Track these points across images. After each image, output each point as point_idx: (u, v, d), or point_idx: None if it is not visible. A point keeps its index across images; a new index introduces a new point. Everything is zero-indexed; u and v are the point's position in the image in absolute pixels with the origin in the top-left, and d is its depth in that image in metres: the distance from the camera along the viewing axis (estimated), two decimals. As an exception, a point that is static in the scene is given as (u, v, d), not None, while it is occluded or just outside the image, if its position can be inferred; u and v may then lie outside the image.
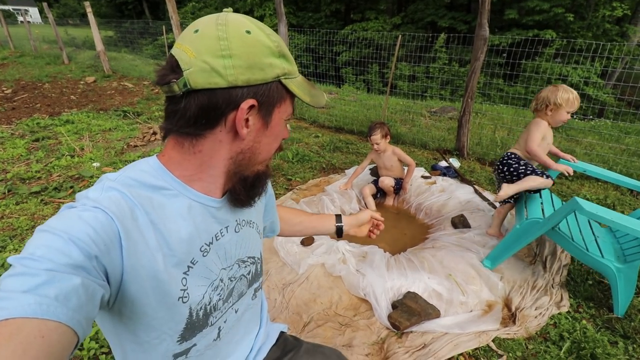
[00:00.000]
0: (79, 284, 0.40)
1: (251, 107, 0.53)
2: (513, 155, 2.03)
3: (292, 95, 0.59)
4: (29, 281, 0.37)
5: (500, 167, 2.05)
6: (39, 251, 0.40)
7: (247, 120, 0.54)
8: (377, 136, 2.52)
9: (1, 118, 4.59)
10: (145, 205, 0.52)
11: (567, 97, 1.84)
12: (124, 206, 0.49)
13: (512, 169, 1.98)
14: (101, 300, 0.44)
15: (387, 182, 2.61)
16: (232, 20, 0.51)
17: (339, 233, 1.00)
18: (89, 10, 7.24)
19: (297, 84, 0.58)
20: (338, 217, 1.01)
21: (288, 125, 0.65)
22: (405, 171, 2.72)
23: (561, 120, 1.90)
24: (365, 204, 2.72)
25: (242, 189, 0.61)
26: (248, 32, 0.51)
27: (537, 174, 1.89)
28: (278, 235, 0.98)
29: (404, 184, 2.68)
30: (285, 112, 0.59)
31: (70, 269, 0.40)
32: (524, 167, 1.94)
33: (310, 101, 0.59)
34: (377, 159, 2.70)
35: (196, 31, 0.51)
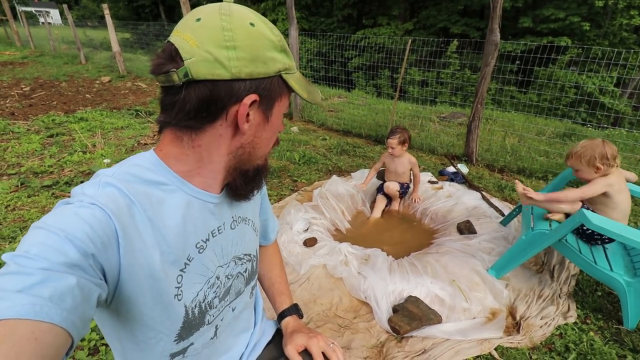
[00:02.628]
0: (75, 283, 0.39)
1: (253, 101, 0.52)
2: None
3: (290, 90, 0.58)
4: (24, 280, 0.36)
5: None
6: (34, 249, 0.39)
7: (248, 114, 0.52)
8: (394, 140, 2.47)
9: (19, 114, 4.73)
10: (143, 201, 0.50)
11: None
12: (121, 203, 0.48)
13: None
14: (98, 299, 0.43)
15: (392, 187, 2.57)
16: (236, 11, 0.50)
17: (278, 319, 0.88)
18: (107, 12, 7.44)
19: (296, 79, 0.58)
20: (293, 308, 0.88)
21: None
22: (412, 181, 2.69)
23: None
24: (370, 208, 2.70)
25: (242, 184, 0.61)
26: (252, 24, 0.50)
27: None
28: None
29: (414, 194, 2.65)
30: (284, 106, 0.59)
31: (66, 268, 0.39)
32: None
33: (307, 97, 0.58)
34: (390, 162, 2.65)
35: (198, 20, 0.49)
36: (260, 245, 0.91)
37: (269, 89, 0.53)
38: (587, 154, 1.65)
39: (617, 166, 1.65)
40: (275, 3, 14.04)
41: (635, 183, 1.86)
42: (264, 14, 13.71)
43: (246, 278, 0.72)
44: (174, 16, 25.42)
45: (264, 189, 0.83)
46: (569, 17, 9.49)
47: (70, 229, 0.41)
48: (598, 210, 1.70)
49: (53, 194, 2.65)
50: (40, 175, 2.97)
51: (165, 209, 0.53)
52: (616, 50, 3.50)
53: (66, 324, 0.37)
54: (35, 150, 3.48)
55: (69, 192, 2.66)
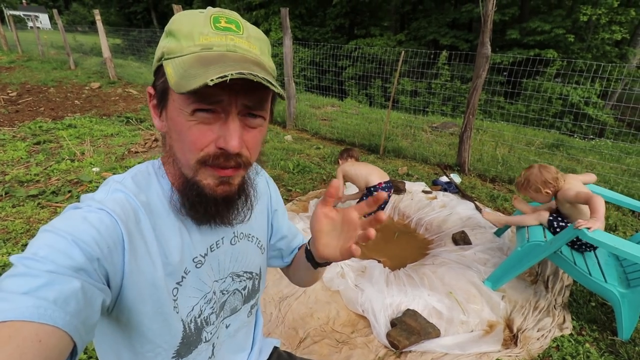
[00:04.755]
0: (79, 287, 0.39)
1: (150, 95, 0.52)
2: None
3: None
4: (30, 282, 0.36)
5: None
6: (42, 251, 0.39)
7: (155, 108, 0.52)
8: None
9: (4, 120, 4.61)
10: (147, 209, 0.51)
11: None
12: (129, 209, 0.48)
13: None
14: (102, 305, 0.43)
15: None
16: (185, 12, 0.49)
17: (308, 256, 0.65)
18: (98, 18, 7.37)
19: (178, 63, 0.45)
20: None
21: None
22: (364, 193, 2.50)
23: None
24: None
25: (187, 203, 0.52)
26: (176, 20, 0.49)
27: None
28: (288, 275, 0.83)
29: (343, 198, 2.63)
30: (180, 102, 0.46)
31: (71, 271, 0.39)
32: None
33: (174, 84, 0.43)
34: None
35: None
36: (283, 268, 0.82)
37: (157, 81, 0.50)
38: (532, 185, 1.83)
39: (563, 181, 1.79)
40: (269, 12, 14.13)
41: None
42: (256, 23, 13.80)
43: (245, 296, 0.70)
44: (166, 23, 25.36)
45: (280, 206, 0.76)
46: (554, 29, 9.80)
47: (77, 233, 0.42)
48: (574, 219, 1.77)
49: (39, 204, 2.57)
50: (25, 184, 2.88)
51: (166, 220, 0.53)
52: (602, 64, 3.61)
53: (69, 327, 0.37)
54: (21, 158, 3.37)
55: (56, 202, 2.59)
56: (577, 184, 1.79)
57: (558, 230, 1.82)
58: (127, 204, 0.49)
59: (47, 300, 0.36)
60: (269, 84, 0.42)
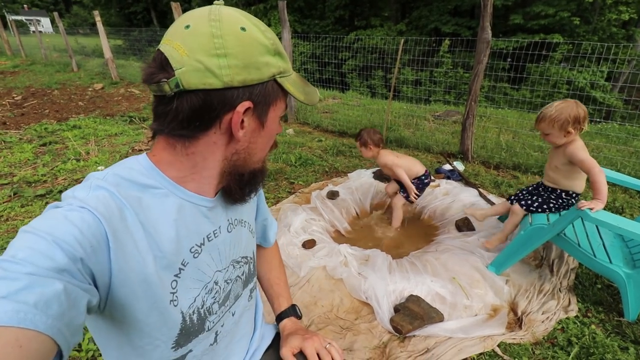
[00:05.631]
0: (62, 289, 0.38)
1: (247, 108, 0.51)
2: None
3: (286, 93, 0.58)
4: (9, 286, 0.35)
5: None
6: (21, 253, 0.38)
7: (242, 121, 0.52)
8: (357, 144, 2.32)
9: (10, 123, 4.68)
10: (135, 205, 0.50)
11: None
12: (113, 206, 0.47)
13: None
14: (88, 305, 0.42)
15: (390, 189, 2.49)
16: (226, 16, 0.49)
17: (277, 321, 0.88)
18: (98, 19, 7.40)
19: (291, 82, 0.56)
20: (290, 309, 0.88)
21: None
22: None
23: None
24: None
25: (237, 188, 0.60)
26: (243, 29, 0.49)
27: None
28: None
29: (409, 194, 2.27)
30: (280, 110, 0.58)
31: (53, 273, 0.38)
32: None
33: (304, 99, 0.57)
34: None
35: (187, 27, 0.48)
36: (260, 247, 0.91)
37: (263, 95, 0.53)
38: (561, 119, 1.58)
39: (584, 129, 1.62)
40: (267, 7, 14.05)
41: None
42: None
43: (244, 281, 0.72)
44: (166, 21, 25.40)
45: (260, 190, 0.82)
46: (559, 12, 9.59)
47: (58, 233, 0.41)
48: (567, 178, 1.73)
49: (47, 203, 2.62)
50: (33, 184, 2.93)
51: (157, 213, 0.52)
52: (606, 45, 3.53)
53: (52, 331, 0.36)
54: (28, 160, 3.43)
55: (63, 201, 2.63)
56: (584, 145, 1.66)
57: (532, 208, 1.83)
58: (111, 201, 0.47)
59: (27, 304, 0.35)
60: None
